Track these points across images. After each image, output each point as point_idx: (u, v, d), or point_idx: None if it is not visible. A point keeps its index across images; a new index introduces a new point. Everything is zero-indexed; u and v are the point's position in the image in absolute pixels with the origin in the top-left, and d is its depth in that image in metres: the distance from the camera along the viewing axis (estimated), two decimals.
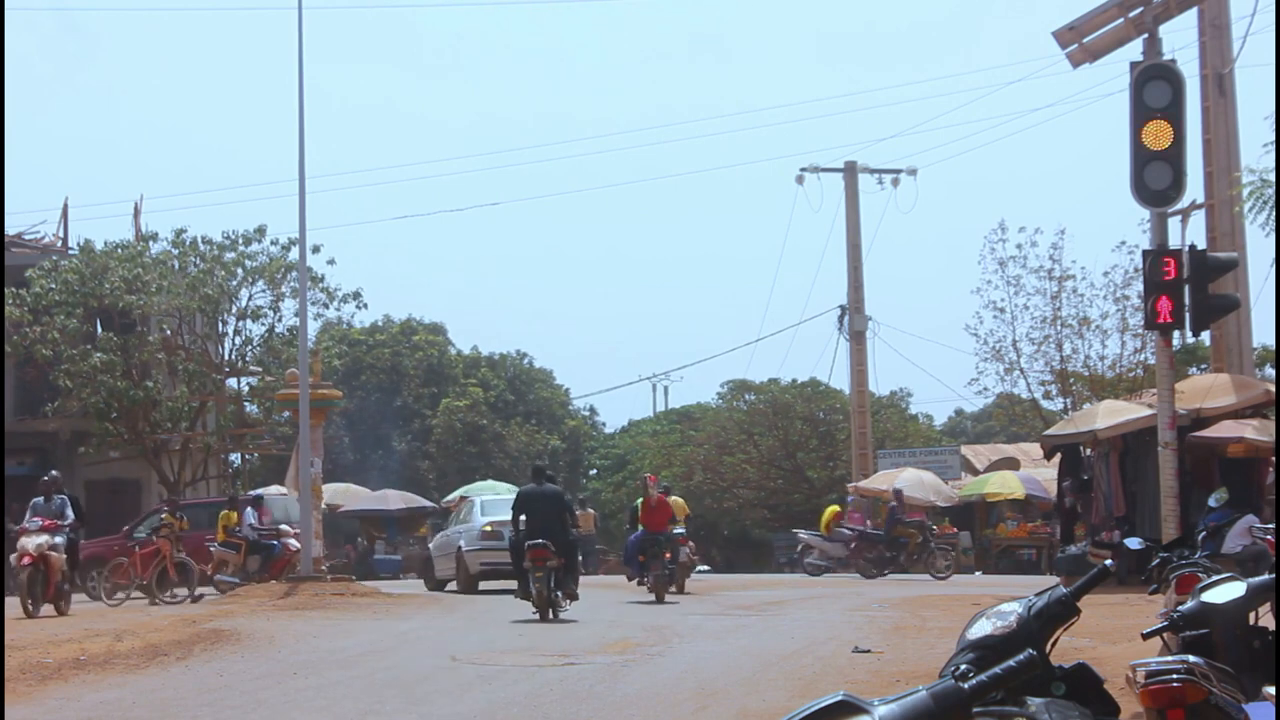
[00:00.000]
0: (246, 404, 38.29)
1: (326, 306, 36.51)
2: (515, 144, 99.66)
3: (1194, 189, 22.62)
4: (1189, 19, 23.99)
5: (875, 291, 70.52)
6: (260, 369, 36.71)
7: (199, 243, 35.62)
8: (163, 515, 25.42)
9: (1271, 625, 5.71)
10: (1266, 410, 22.24)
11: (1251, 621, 5.68)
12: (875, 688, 10.73)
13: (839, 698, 3.08)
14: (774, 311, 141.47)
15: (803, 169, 42.29)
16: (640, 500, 23.65)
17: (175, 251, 35.61)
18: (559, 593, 18.24)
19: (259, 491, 29.45)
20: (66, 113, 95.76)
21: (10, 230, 36.33)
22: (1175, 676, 5.05)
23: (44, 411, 35.20)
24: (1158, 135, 17.93)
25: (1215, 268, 18.38)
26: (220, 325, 36.22)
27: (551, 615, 17.99)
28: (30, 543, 19.81)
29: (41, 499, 20.77)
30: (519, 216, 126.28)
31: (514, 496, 19.97)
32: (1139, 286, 26.12)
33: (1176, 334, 19.44)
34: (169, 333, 36.09)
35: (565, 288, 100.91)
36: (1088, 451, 24.30)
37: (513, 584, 19.55)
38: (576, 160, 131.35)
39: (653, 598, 21.52)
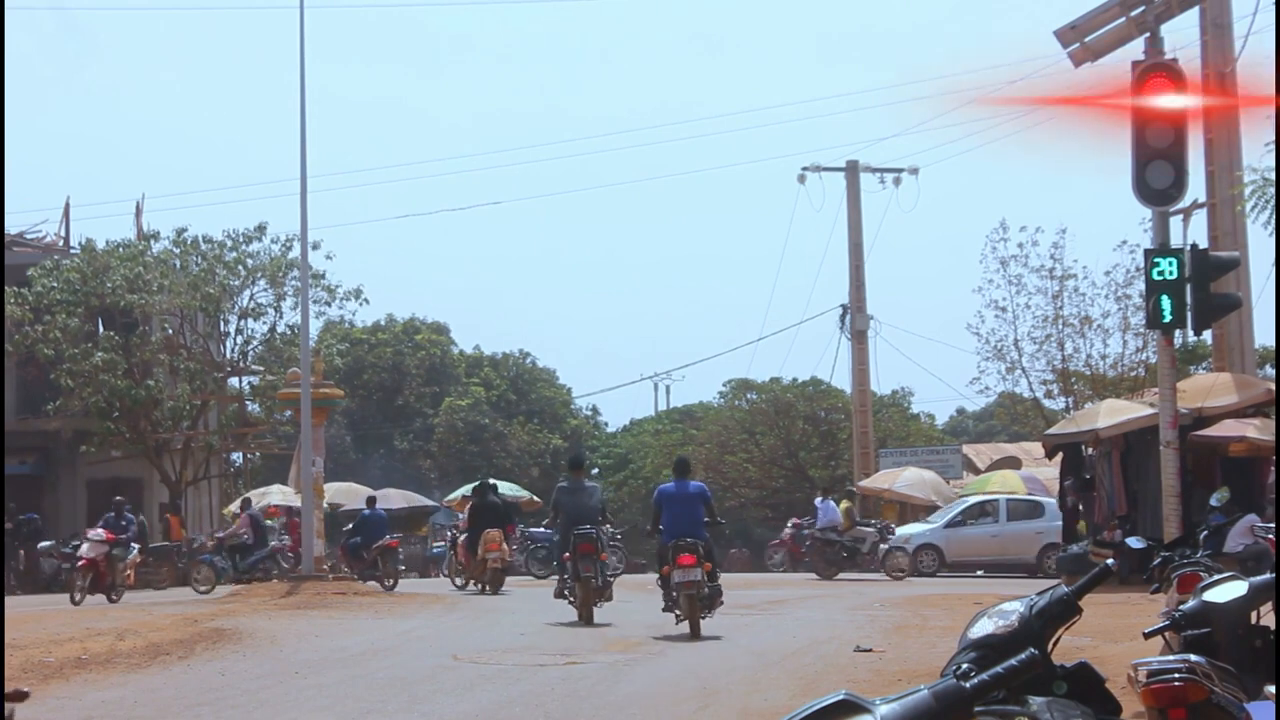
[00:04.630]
0: (248, 403, 38.27)
1: (329, 304, 36.48)
2: (517, 143, 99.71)
3: (1195, 188, 22.63)
4: (1191, 18, 24.00)
5: (877, 291, 70.48)
6: (262, 368, 36.66)
7: (200, 242, 35.61)
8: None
9: (1273, 624, 5.71)
10: (1268, 409, 22.23)
11: (1253, 621, 5.69)
12: (877, 687, 10.73)
13: (841, 697, 3.08)
14: (775, 311, 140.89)
15: (804, 168, 42.20)
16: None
17: (176, 250, 35.60)
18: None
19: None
20: (67, 113, 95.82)
21: (11, 230, 36.34)
22: (1177, 675, 5.05)
23: (45, 411, 35.17)
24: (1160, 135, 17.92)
25: (1217, 267, 18.36)
26: (222, 324, 36.20)
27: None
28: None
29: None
30: (521, 216, 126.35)
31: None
32: (1140, 285, 26.11)
33: (1178, 333, 19.43)
34: (170, 332, 36.06)
35: (567, 287, 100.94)
36: (1089, 451, 24.31)
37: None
38: (578, 160, 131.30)
39: None
